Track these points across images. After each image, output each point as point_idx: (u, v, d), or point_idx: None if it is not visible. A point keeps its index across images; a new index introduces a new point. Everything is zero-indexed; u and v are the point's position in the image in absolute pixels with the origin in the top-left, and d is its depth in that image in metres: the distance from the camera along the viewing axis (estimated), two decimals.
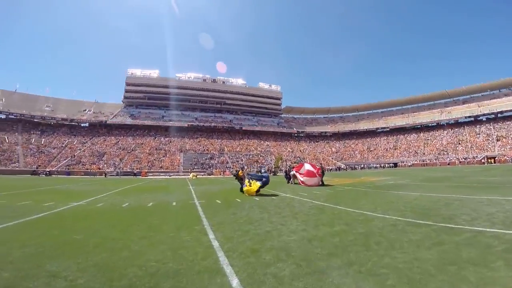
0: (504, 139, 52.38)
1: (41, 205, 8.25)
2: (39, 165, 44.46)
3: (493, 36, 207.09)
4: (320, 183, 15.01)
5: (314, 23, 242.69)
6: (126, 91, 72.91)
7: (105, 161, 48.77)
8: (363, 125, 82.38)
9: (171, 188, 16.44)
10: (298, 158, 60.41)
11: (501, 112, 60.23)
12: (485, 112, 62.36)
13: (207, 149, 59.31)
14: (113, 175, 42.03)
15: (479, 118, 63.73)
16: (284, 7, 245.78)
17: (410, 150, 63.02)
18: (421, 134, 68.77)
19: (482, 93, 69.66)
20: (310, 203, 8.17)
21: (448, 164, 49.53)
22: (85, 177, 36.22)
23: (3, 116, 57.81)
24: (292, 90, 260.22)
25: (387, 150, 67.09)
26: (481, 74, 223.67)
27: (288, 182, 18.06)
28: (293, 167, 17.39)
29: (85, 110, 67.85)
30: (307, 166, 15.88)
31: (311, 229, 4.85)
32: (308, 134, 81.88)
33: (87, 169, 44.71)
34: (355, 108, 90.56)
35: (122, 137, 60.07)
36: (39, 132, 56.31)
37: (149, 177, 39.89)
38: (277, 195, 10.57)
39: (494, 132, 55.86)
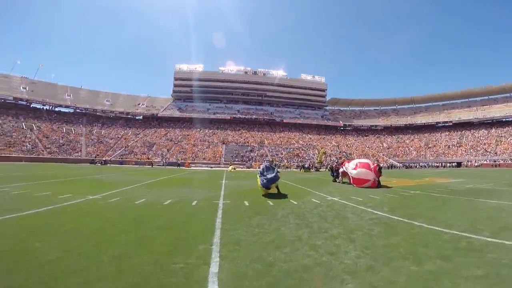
0: None
1: (56, 197, 7.43)
2: (98, 155, 48.47)
3: None
4: (376, 183, 12.30)
5: (362, 8, 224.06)
6: (175, 86, 76.24)
7: (154, 152, 51.25)
8: (420, 119, 73.38)
9: (203, 181, 15.34)
10: (344, 153, 55.92)
11: None
12: None
13: (247, 142, 58.80)
14: (160, 165, 43.74)
15: None
16: None
17: (478, 148, 53.95)
18: (493, 130, 58.69)
19: None
20: (371, 214, 5.87)
21: None
22: (133, 167, 38.27)
23: (71, 110, 64.83)
24: (339, 81, 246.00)
25: (449, 147, 58.54)
26: None
27: (335, 180, 15.36)
28: (342, 162, 14.66)
29: (139, 104, 72.73)
30: (361, 162, 13.14)
31: (382, 266, 2.78)
32: (356, 128, 75.72)
33: (138, 158, 47.34)
34: (411, 100, 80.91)
35: (170, 129, 62.96)
36: (100, 124, 61.84)
37: (191, 167, 40.49)
38: (322, 198, 8.38)
39: None
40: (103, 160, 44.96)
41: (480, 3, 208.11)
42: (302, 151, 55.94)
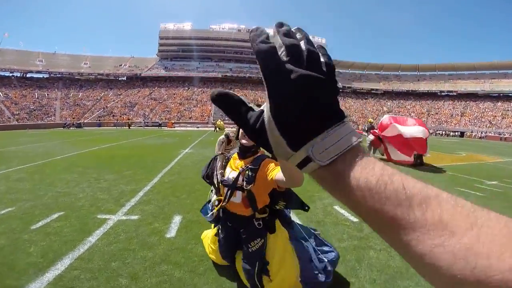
0: None
1: None
2: (73, 118, 42.08)
3: None
4: (416, 159, 7.73)
5: None
6: (160, 45, 68.09)
7: (136, 112, 44.94)
8: (424, 86, 67.84)
9: (152, 152, 9.87)
10: None
11: None
12: None
13: None
14: (140, 126, 37.77)
15: None
16: None
17: (483, 120, 49.46)
18: (499, 103, 54.11)
19: None
20: None
21: None
22: (106, 129, 32.41)
23: (45, 76, 57.30)
24: (340, 44, 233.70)
25: (451, 116, 53.94)
26: None
27: None
28: (373, 127, 8.93)
29: (121, 65, 64.87)
30: (406, 124, 7.94)
31: None
32: (355, 90, 69.44)
33: (117, 120, 41.19)
34: (415, 67, 74.42)
35: (155, 88, 56.14)
36: (78, 88, 54.84)
37: (175, 128, 34.69)
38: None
39: None
40: (78, 123, 38.63)
41: None
42: None
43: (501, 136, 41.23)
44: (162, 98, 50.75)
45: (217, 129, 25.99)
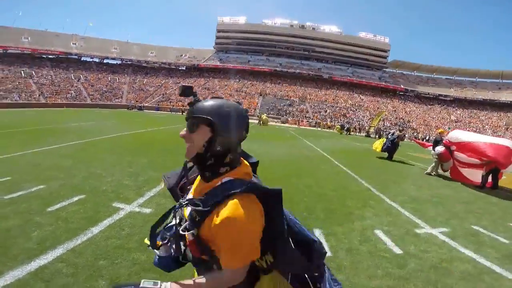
0: None
1: None
2: (136, 101, 46.90)
3: None
4: (479, 179, 6.24)
5: None
6: (217, 37, 70.74)
7: (190, 100, 47.64)
8: (506, 96, 56.49)
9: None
10: (402, 120, 45.38)
11: None
12: None
13: (287, 95, 51.92)
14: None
15: None
16: None
17: None
18: None
19: None
20: None
21: None
22: (165, 113, 35.32)
23: (118, 62, 64.46)
24: (406, 45, 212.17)
25: None
26: None
27: (390, 158, 9.28)
28: (444, 139, 7.33)
29: (182, 55, 69.28)
30: (476, 140, 6.52)
31: None
32: (419, 95, 61.75)
33: (173, 105, 44.51)
34: (497, 74, 62.44)
35: (210, 79, 58.84)
36: (144, 74, 60.59)
37: None
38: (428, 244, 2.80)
39: None
40: (140, 106, 43.10)
41: None
42: (351, 112, 46.99)
43: None
44: (214, 88, 52.93)
45: (261, 122, 25.80)
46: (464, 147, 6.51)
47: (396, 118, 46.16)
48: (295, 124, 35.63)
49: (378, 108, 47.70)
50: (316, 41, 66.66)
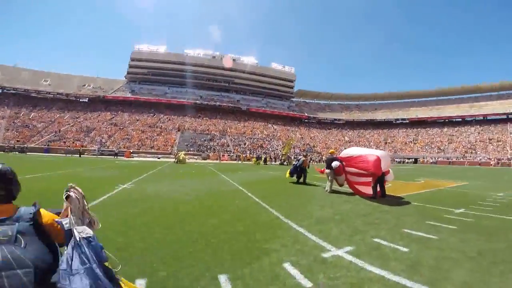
0: None
1: None
2: (18, 141, 37.70)
3: None
4: (371, 191, 6.93)
5: (335, 7, 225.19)
6: (130, 67, 65.64)
7: (92, 138, 41.47)
8: (380, 115, 72.11)
9: (85, 187, 6.84)
10: (308, 146, 51.36)
11: None
12: None
13: (208, 130, 50.96)
14: (94, 154, 34.73)
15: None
16: None
17: (432, 146, 53.36)
18: (445, 129, 58.93)
19: None
20: None
21: (479, 164, 39.51)
22: (56, 156, 29.23)
23: None
24: (306, 74, 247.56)
25: (405, 143, 57.45)
26: None
27: (298, 181, 9.83)
28: (335, 156, 8.24)
29: (85, 85, 60.97)
30: (363, 153, 7.61)
31: None
32: (320, 121, 71.98)
33: (68, 146, 37.53)
34: (373, 97, 79.60)
35: (118, 113, 52.76)
36: (31, 107, 49.88)
37: (134, 158, 32.33)
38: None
39: None
40: (20, 147, 34.42)
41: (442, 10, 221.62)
42: (266, 142, 50.07)
43: (449, 160, 44.49)
44: (123, 124, 47.68)
45: (178, 161, 24.48)
46: (352, 160, 7.56)
47: (304, 144, 52.00)
48: (217, 159, 35.40)
49: (288, 136, 52.87)
50: (236, 73, 69.49)
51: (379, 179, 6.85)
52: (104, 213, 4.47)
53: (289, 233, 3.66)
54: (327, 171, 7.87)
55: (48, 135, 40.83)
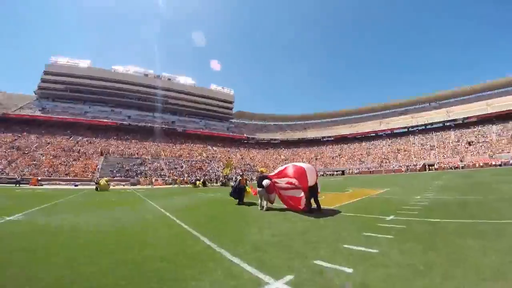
0: (436, 148, 53.05)
1: None
2: None
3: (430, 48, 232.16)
4: (304, 204, 6.98)
5: (270, 33, 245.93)
6: (43, 81, 56.30)
7: None
8: (310, 134, 79.40)
9: None
10: (249, 165, 51.91)
11: (431, 124, 62.07)
12: (417, 124, 64.49)
13: (137, 153, 46.48)
14: None
15: (412, 129, 65.62)
16: (242, 10, 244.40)
17: (355, 158, 60.95)
18: (363, 143, 68.13)
19: (415, 106, 72.83)
20: None
21: (394, 171, 47.20)
22: None
23: None
24: (245, 95, 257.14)
25: (333, 158, 64.15)
26: (422, 86, 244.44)
27: (239, 203, 9.38)
28: (265, 174, 8.26)
29: None
30: (293, 169, 7.43)
31: None
32: (258, 141, 74.52)
33: None
34: (302, 117, 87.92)
35: (22, 134, 43.24)
36: None
37: (41, 186, 26.39)
38: None
39: (427, 142, 56.72)
40: None
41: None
42: (206, 164, 48.33)
43: (369, 170, 51.25)
44: (29, 147, 39.16)
45: (99, 188, 20.99)
46: (280, 174, 7.65)
47: (244, 164, 52.46)
48: (149, 184, 31.86)
49: (229, 157, 52.53)
50: (171, 93, 66.79)
51: (312, 192, 6.93)
52: None
53: (222, 265, 3.13)
54: (259, 189, 7.84)
55: None
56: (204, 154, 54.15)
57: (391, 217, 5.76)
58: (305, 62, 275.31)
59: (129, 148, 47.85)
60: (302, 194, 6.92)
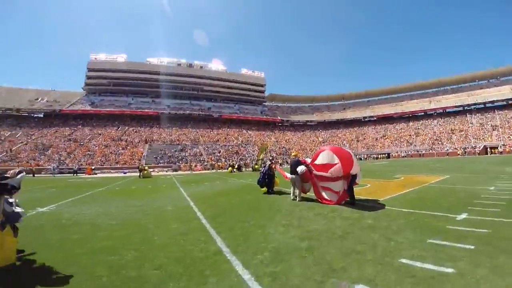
0: (500, 129, 45.54)
1: None
2: None
3: (484, 28, 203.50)
4: (345, 197, 6.00)
5: (301, 11, 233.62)
6: (88, 78, 61.47)
7: (50, 156, 37.39)
8: (350, 114, 74.78)
9: None
10: (284, 149, 51.12)
11: (492, 102, 54.28)
12: (475, 102, 56.80)
13: (178, 140, 48.88)
14: (51, 173, 31.06)
15: (468, 108, 57.57)
16: None
17: (402, 140, 55.82)
18: (410, 123, 62.05)
19: (470, 83, 64.12)
20: None
21: (447, 154, 41.89)
22: None
23: None
24: (276, 77, 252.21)
25: (376, 139, 59.59)
26: (472, 64, 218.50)
27: (269, 191, 8.45)
28: (299, 159, 7.15)
29: (38, 99, 55.46)
30: (330, 157, 6.20)
31: None
32: (293, 123, 72.77)
33: (23, 166, 33.25)
34: (341, 97, 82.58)
35: (78, 128, 48.53)
36: None
37: (96, 175, 29.38)
38: None
39: (487, 122, 49.13)
40: None
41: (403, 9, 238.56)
42: (242, 148, 48.93)
43: (419, 153, 46.56)
44: (84, 139, 43.82)
45: (141, 175, 22.47)
46: (317, 158, 6.54)
47: (279, 148, 51.73)
48: (188, 170, 33.36)
49: (264, 141, 52.28)
50: (205, 80, 68.26)
51: (351, 182, 6.01)
52: None
53: (224, 282, 2.42)
54: (292, 176, 6.85)
55: None
56: (240, 138, 54.81)
57: (463, 215, 4.46)
58: (348, 37, 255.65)
59: (171, 135, 50.67)
60: (340, 189, 6.03)
